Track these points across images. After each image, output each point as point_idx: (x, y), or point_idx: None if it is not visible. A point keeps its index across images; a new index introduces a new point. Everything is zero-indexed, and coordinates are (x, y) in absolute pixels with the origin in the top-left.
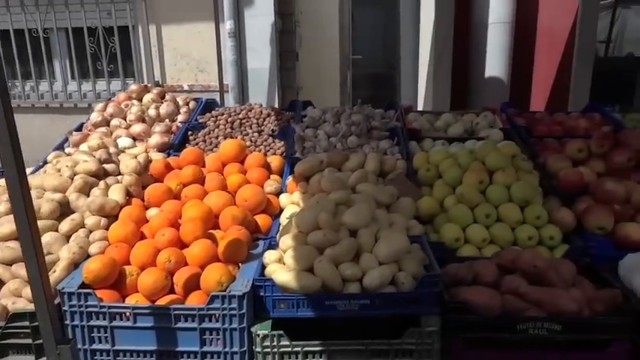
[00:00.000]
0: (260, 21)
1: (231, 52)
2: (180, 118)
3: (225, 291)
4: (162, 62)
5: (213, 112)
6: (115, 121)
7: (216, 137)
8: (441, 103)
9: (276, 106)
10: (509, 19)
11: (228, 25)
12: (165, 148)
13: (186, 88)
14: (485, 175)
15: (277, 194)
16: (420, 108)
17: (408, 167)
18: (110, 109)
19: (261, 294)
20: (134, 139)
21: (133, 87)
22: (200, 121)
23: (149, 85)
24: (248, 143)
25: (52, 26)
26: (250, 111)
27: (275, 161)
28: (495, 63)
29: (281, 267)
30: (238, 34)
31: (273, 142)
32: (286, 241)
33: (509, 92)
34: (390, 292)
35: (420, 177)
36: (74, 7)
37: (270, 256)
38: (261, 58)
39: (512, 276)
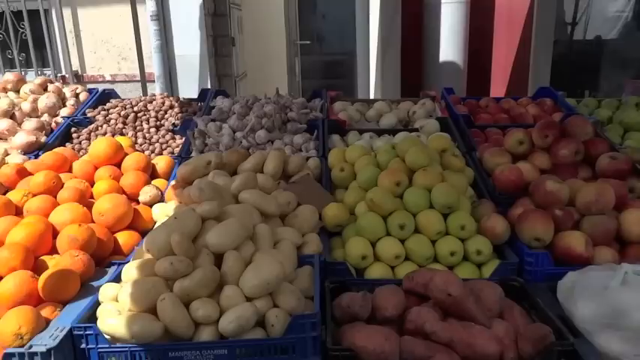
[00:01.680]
0: (187, 2)
1: (155, 37)
2: (63, 112)
3: (24, 346)
4: (80, 50)
5: (107, 104)
6: None
7: (104, 134)
8: (391, 92)
9: None
10: None
11: (149, 7)
12: (34, 149)
13: (108, 78)
14: (403, 175)
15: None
16: (372, 97)
17: (322, 166)
18: None
19: (83, 346)
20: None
21: (9, 76)
22: (89, 115)
23: (66, 75)
24: (140, 141)
25: None
26: (151, 103)
27: (162, 163)
28: (450, 46)
29: (114, 306)
30: (162, 17)
31: (172, 139)
32: (129, 270)
33: (467, 78)
34: (255, 337)
35: (333, 178)
36: None
37: (107, 291)
38: (189, 43)
39: (419, 308)
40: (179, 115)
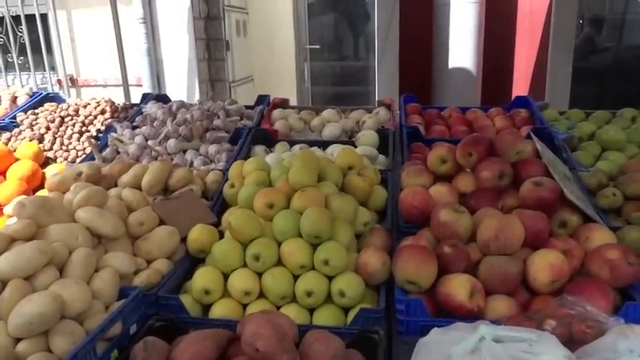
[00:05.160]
0: (174, 5)
1: (142, 41)
2: None
3: None
4: (74, 54)
5: (39, 108)
6: None
7: (24, 139)
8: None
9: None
10: None
11: (137, 10)
12: None
13: (101, 82)
14: (279, 196)
15: None
16: None
17: (223, 181)
18: None
19: None
20: None
21: None
22: (19, 119)
23: (61, 79)
24: (56, 147)
25: None
26: (85, 107)
27: (55, 172)
28: (461, 50)
29: None
30: (150, 20)
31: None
32: None
33: (483, 84)
34: None
35: (224, 195)
36: None
37: None
38: (177, 47)
39: None
40: (108, 120)
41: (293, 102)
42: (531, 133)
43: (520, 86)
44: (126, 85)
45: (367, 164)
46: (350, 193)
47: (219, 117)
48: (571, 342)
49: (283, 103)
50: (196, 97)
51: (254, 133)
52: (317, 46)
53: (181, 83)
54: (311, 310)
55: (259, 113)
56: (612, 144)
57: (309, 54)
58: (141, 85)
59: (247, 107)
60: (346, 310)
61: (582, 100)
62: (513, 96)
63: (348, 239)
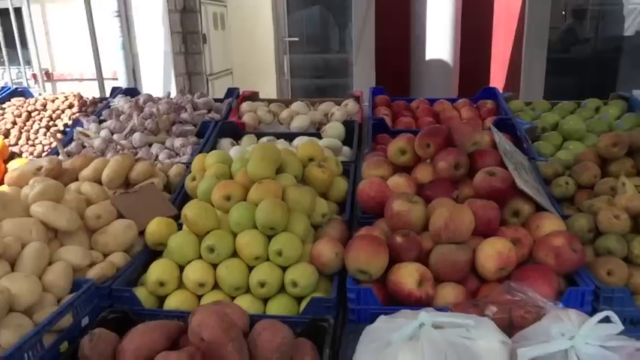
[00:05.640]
0: None
1: (117, 34)
2: None
3: None
4: (49, 48)
5: (7, 103)
6: None
7: None
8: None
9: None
10: None
11: (111, 3)
12: None
13: (77, 76)
14: (237, 188)
15: None
16: None
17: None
18: None
19: None
20: None
21: None
22: None
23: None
24: (22, 142)
25: None
26: (53, 102)
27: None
28: (438, 43)
29: None
30: (125, 14)
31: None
32: None
33: (460, 78)
34: None
35: (185, 188)
36: None
37: None
38: (153, 40)
39: (167, 354)
40: (76, 115)
41: (273, 95)
42: (490, 124)
43: (497, 78)
44: (100, 79)
45: (329, 156)
46: (310, 184)
47: (186, 110)
48: (511, 327)
49: (253, 96)
50: (173, 90)
51: (221, 126)
52: (296, 39)
53: (157, 77)
54: (265, 301)
55: (227, 106)
56: (573, 134)
57: (289, 47)
58: (117, 79)
59: (217, 100)
60: (300, 299)
61: (560, 91)
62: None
63: (303, 230)
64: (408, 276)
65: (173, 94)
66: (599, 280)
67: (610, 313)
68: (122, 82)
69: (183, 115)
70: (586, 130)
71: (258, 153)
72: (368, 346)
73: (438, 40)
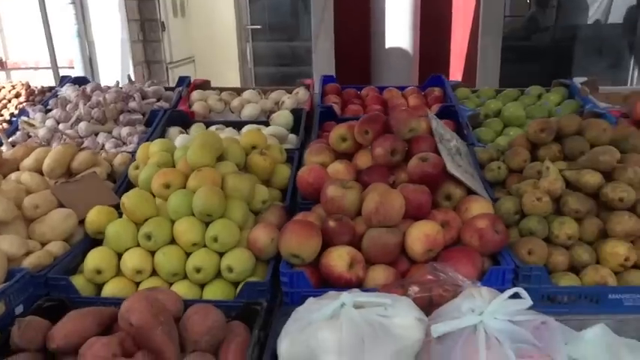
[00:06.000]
0: None
1: (71, 22)
2: None
3: None
4: (2, 36)
5: None
6: None
7: None
8: None
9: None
10: None
11: None
12: None
13: (32, 65)
14: (175, 177)
15: None
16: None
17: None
18: None
19: None
20: None
21: None
22: None
23: None
24: None
25: None
26: (0, 90)
27: None
28: (398, 32)
29: None
30: (79, 1)
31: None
32: None
33: (420, 66)
34: None
35: (129, 176)
36: None
37: None
38: (109, 28)
39: (96, 340)
40: (22, 104)
41: (236, 83)
42: (428, 111)
43: (456, 67)
44: (55, 68)
45: (273, 144)
46: (252, 171)
47: (134, 99)
48: (430, 305)
49: (204, 85)
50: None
51: (170, 114)
52: (258, 27)
53: (115, 65)
54: (203, 286)
55: (177, 95)
56: (513, 120)
57: (252, 34)
58: (73, 68)
59: (168, 89)
60: (237, 284)
61: (517, 79)
62: (450, 76)
63: (241, 217)
64: (339, 259)
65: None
66: (520, 259)
67: (519, 289)
68: (78, 71)
69: (132, 104)
70: (526, 116)
71: (198, 141)
72: (292, 326)
73: (398, 27)
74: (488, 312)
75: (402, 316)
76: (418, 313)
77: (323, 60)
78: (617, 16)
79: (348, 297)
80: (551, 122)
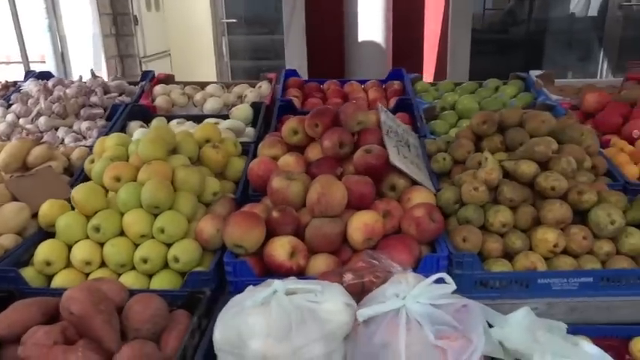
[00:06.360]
0: None
1: (42, 16)
2: None
3: None
4: None
5: None
6: None
7: None
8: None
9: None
10: None
11: None
12: None
13: (3, 59)
14: (126, 170)
15: None
16: None
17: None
18: None
19: None
20: None
21: None
22: None
23: None
24: None
25: None
26: None
27: None
28: (371, 24)
29: None
30: None
31: None
32: None
33: (393, 59)
34: None
35: (85, 170)
36: None
37: None
38: (81, 22)
39: (37, 329)
40: None
41: (212, 77)
42: (379, 104)
43: (429, 59)
44: (26, 62)
45: (228, 137)
46: (205, 164)
47: (96, 94)
48: (363, 291)
49: (167, 79)
50: (104, 73)
51: (131, 109)
52: (234, 20)
53: (87, 60)
54: (151, 277)
55: (140, 89)
56: (466, 112)
57: (227, 28)
58: (45, 62)
59: (132, 84)
60: (185, 274)
61: (489, 72)
62: (424, 69)
63: (190, 209)
64: (280, 248)
65: (105, 77)
66: (455, 246)
67: (444, 275)
68: (50, 66)
69: (93, 99)
70: (479, 109)
71: (150, 135)
72: (227, 313)
73: (370, 22)
74: (410, 296)
75: (330, 302)
76: (347, 299)
77: (295, 54)
78: (596, 10)
79: (280, 284)
80: (492, 115)
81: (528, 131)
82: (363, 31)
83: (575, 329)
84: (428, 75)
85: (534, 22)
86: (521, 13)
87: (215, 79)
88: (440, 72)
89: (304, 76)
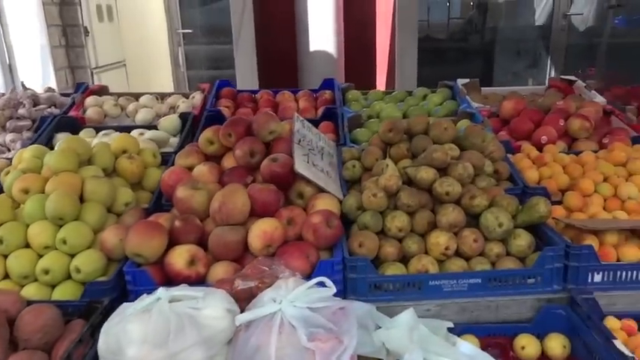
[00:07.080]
0: None
1: None
2: None
3: None
4: None
5: None
6: None
7: None
8: (250, 84)
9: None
10: None
11: None
12: None
13: None
14: (35, 182)
15: None
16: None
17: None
18: None
19: None
20: None
21: None
22: None
23: None
24: None
25: None
26: None
27: None
28: (321, 34)
29: None
30: None
31: None
32: None
33: (346, 69)
34: None
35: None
36: None
37: None
38: (28, 34)
39: None
40: None
41: (169, 87)
42: (295, 114)
43: (382, 69)
44: None
45: (148, 147)
46: (120, 175)
47: (24, 105)
48: (252, 297)
49: (101, 90)
50: (54, 85)
51: (59, 120)
52: (190, 31)
53: (36, 71)
54: (54, 288)
55: (71, 101)
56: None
57: (183, 38)
58: None
59: (64, 95)
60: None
61: (439, 81)
62: (377, 78)
63: (96, 220)
64: (178, 257)
65: (56, 88)
66: (352, 251)
67: (324, 278)
68: None
69: (21, 111)
70: (403, 117)
71: (61, 147)
72: (111, 321)
73: (321, 30)
74: (287, 300)
75: (211, 308)
76: (230, 305)
77: (244, 64)
78: (543, 19)
79: (164, 292)
80: (398, 123)
81: (432, 138)
82: (314, 41)
83: (464, 329)
84: (380, 84)
85: (489, 31)
86: (479, 22)
87: (172, 89)
88: (391, 80)
89: (255, 86)
